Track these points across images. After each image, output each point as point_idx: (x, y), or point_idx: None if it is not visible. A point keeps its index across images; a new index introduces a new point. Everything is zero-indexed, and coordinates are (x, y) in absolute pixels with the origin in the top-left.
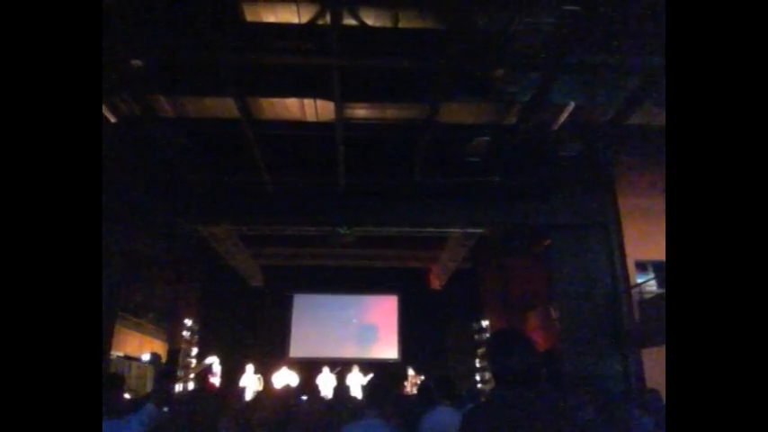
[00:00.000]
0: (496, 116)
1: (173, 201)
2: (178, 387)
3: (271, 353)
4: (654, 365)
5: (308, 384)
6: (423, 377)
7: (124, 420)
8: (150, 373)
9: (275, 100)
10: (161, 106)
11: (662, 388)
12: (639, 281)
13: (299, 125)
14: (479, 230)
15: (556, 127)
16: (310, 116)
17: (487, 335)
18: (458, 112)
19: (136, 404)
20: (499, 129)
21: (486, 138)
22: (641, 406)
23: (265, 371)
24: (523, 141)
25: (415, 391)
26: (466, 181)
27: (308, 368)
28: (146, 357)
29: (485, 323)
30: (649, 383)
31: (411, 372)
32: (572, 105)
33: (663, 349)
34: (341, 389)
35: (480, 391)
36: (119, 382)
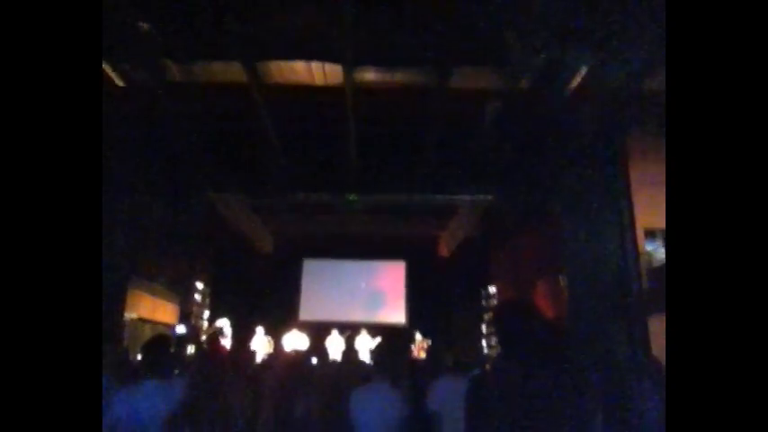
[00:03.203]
0: (508, 81)
1: (183, 168)
2: (190, 349)
3: (281, 316)
4: (659, 333)
5: (318, 347)
6: (430, 342)
7: (170, 383)
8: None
9: (282, 63)
10: (170, 72)
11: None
12: (648, 249)
13: (307, 90)
14: (489, 198)
15: (568, 92)
16: (318, 80)
17: (495, 302)
18: (469, 78)
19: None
20: (511, 94)
21: (497, 103)
22: (646, 373)
23: (276, 333)
24: (535, 108)
25: (422, 355)
26: (476, 148)
27: (318, 331)
28: (180, 330)
29: (492, 290)
30: (654, 351)
31: (419, 336)
32: (584, 70)
33: None
34: (350, 352)
35: (487, 356)
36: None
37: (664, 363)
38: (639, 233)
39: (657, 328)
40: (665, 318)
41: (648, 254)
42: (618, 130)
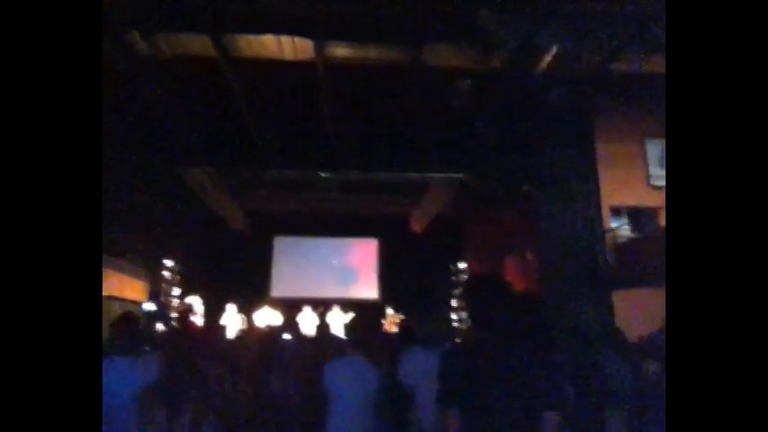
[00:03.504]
0: (481, 60)
1: (151, 144)
2: (160, 327)
3: (252, 293)
4: (623, 307)
5: (290, 323)
6: (402, 316)
7: (142, 360)
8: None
9: (251, 37)
10: (136, 44)
11: (630, 328)
12: (614, 225)
13: (277, 64)
14: (460, 176)
15: (539, 71)
16: (288, 55)
17: (466, 277)
18: (442, 55)
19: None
20: (483, 73)
21: (469, 81)
22: (610, 343)
23: (247, 310)
24: (507, 86)
25: (394, 329)
26: (448, 126)
27: (290, 308)
28: (148, 307)
29: (463, 266)
30: (618, 323)
31: (390, 311)
32: (556, 50)
33: (632, 292)
34: (323, 327)
35: (458, 330)
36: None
37: (628, 334)
38: (606, 211)
39: (622, 301)
40: (629, 292)
41: (614, 231)
42: (587, 109)
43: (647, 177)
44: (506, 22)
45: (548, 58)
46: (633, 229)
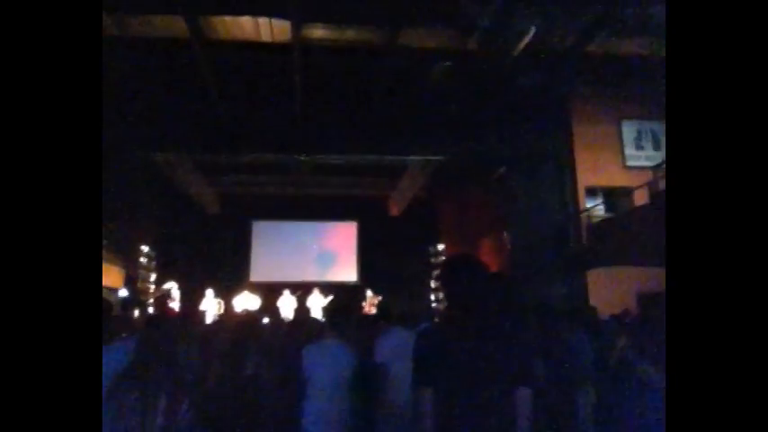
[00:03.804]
0: (457, 42)
1: (124, 127)
2: (136, 313)
3: (231, 278)
4: (597, 285)
5: (269, 307)
6: (381, 298)
7: (114, 347)
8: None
9: (228, 19)
10: (107, 25)
11: (603, 306)
12: (589, 206)
13: (254, 46)
14: (438, 158)
15: (515, 53)
16: (265, 36)
17: (443, 258)
18: (419, 37)
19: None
20: (459, 55)
21: (446, 63)
22: (582, 322)
23: (226, 295)
24: (483, 68)
25: (373, 311)
26: (426, 108)
27: (269, 292)
28: (123, 293)
29: (440, 247)
30: (592, 301)
31: (370, 293)
32: (532, 31)
33: (606, 270)
34: (302, 310)
35: (434, 310)
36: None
37: (600, 311)
38: (581, 191)
39: (596, 279)
40: (602, 270)
41: (589, 210)
42: (563, 91)
43: (623, 158)
44: (483, 4)
45: (524, 39)
46: (608, 209)
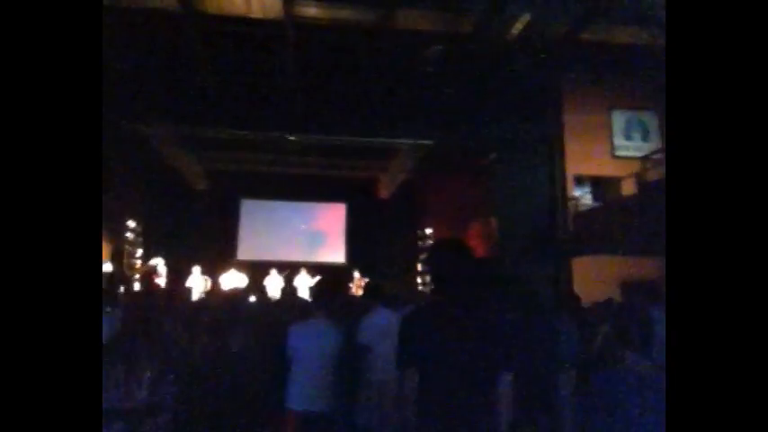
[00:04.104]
0: (452, 25)
1: (113, 101)
2: (122, 288)
3: (218, 255)
4: (583, 273)
5: (256, 286)
6: (368, 280)
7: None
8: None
9: None
10: None
11: (587, 293)
12: (577, 194)
13: (245, 21)
14: (429, 142)
15: (510, 39)
16: (256, 12)
17: (431, 242)
18: (413, 19)
19: None
20: (454, 38)
21: (440, 47)
22: (566, 308)
23: (213, 273)
24: (477, 53)
25: (360, 292)
26: (418, 91)
27: (256, 270)
28: (107, 268)
29: (429, 231)
30: (577, 289)
31: (357, 275)
32: (527, 17)
33: (591, 258)
34: (289, 290)
35: (421, 293)
36: None
37: (584, 299)
38: (570, 179)
39: (581, 267)
40: (588, 258)
41: (576, 199)
42: (555, 79)
43: (612, 148)
44: None
45: (518, 26)
46: (596, 198)
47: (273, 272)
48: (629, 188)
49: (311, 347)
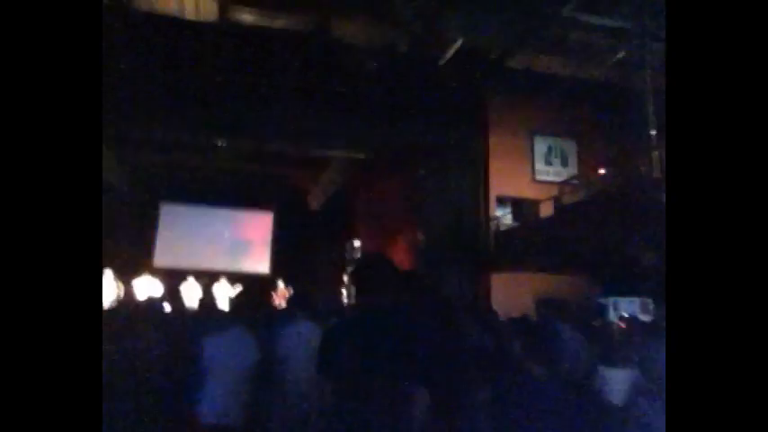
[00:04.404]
0: (388, 41)
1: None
2: None
3: (132, 260)
4: (501, 290)
5: (172, 294)
6: (292, 291)
7: None
8: None
9: None
10: None
11: (504, 309)
12: (498, 213)
13: (176, 22)
14: (361, 156)
15: (443, 61)
16: (189, 14)
17: (358, 254)
18: (350, 32)
19: None
20: (389, 54)
21: (375, 63)
22: (487, 324)
23: (126, 278)
24: (412, 71)
25: (283, 303)
26: (352, 104)
27: (173, 277)
28: None
29: (357, 243)
30: (494, 304)
31: (281, 285)
32: (460, 42)
33: (510, 275)
34: (207, 299)
35: (346, 306)
36: None
37: (501, 314)
38: (492, 199)
39: (499, 283)
40: (507, 275)
41: (497, 218)
42: (483, 101)
43: (533, 172)
44: (416, 7)
45: (452, 48)
46: (515, 219)
47: (191, 279)
48: (547, 211)
49: (226, 359)
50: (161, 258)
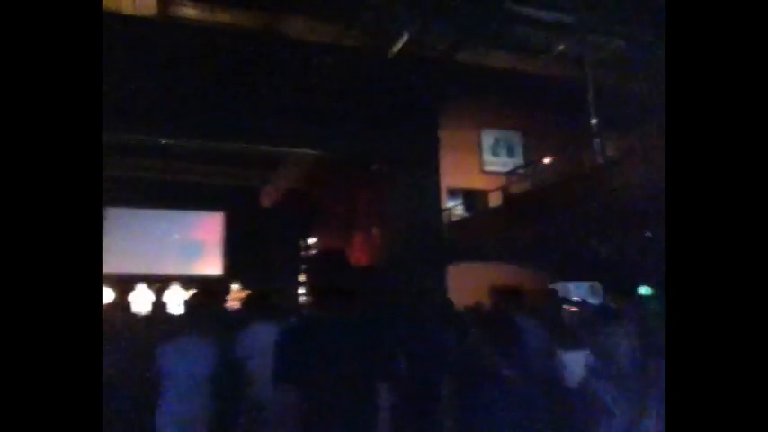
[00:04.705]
0: (337, 37)
1: None
2: None
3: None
4: (455, 279)
5: (122, 301)
6: (248, 292)
7: None
8: None
9: None
10: None
11: (459, 299)
12: (450, 205)
13: (114, 17)
14: (315, 152)
15: (391, 55)
16: (127, 9)
17: (314, 252)
18: (299, 28)
19: None
20: (339, 50)
21: (327, 58)
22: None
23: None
24: (360, 66)
25: (237, 305)
26: (304, 100)
27: (122, 284)
28: None
29: (312, 241)
30: (449, 295)
31: (235, 287)
32: (407, 36)
33: (464, 265)
34: (158, 305)
35: (303, 305)
36: None
37: (457, 304)
38: (443, 191)
39: (454, 273)
40: (461, 265)
41: (450, 210)
42: (432, 96)
43: (481, 164)
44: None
45: (399, 42)
46: (466, 210)
47: (141, 286)
48: (496, 200)
49: (182, 368)
50: (108, 265)
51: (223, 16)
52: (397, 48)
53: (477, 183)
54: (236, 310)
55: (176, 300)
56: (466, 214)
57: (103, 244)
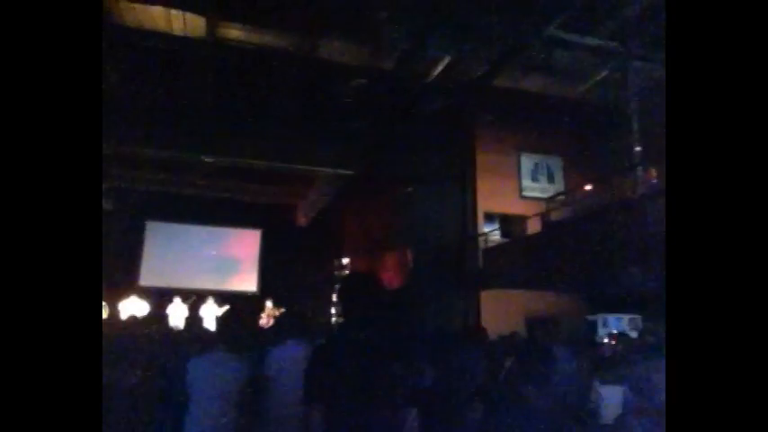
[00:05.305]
0: (375, 60)
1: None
2: None
3: (118, 280)
4: (490, 306)
5: (158, 314)
6: (282, 310)
7: None
8: None
9: (137, 5)
10: None
11: (493, 327)
12: (486, 230)
13: (165, 37)
14: (347, 172)
15: (429, 79)
16: (177, 29)
17: (346, 272)
18: (337, 50)
19: None
20: (376, 73)
21: (362, 80)
22: (474, 341)
23: (111, 299)
24: (397, 89)
25: (270, 323)
26: (339, 121)
27: (159, 297)
28: None
29: (345, 261)
30: (484, 322)
31: (269, 305)
32: (447, 59)
33: (498, 292)
34: (192, 320)
35: (334, 325)
36: None
37: (490, 332)
38: (480, 216)
39: (488, 300)
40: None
41: (486, 235)
42: (469, 119)
43: (520, 188)
44: (401, 27)
45: (438, 66)
46: (503, 235)
47: (177, 300)
48: (534, 227)
49: (211, 383)
50: (147, 278)
51: (265, 38)
52: (435, 72)
53: (516, 208)
54: (268, 328)
55: (210, 315)
56: (503, 240)
57: (144, 257)
